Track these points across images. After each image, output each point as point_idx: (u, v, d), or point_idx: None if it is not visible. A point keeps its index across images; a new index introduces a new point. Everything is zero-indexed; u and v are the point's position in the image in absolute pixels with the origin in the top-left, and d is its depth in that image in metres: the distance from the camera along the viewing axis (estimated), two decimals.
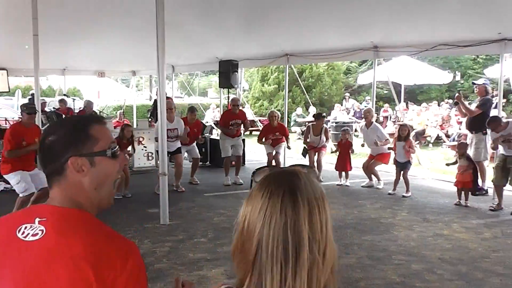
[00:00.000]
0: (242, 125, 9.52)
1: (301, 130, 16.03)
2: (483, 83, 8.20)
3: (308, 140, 9.63)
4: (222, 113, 11.04)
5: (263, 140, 9.60)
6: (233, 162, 9.47)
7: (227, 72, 10.35)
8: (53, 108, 12.45)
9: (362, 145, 9.36)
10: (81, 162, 1.18)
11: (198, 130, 9.61)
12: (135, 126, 13.36)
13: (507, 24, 7.27)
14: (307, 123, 15.71)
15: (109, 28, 9.18)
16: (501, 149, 7.26)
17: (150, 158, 10.48)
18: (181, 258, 5.08)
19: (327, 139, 9.61)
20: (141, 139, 10.35)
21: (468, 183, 7.44)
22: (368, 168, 8.86)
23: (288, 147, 10.01)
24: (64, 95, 13.61)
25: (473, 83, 8.85)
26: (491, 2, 6.63)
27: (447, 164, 8.07)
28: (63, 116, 11.30)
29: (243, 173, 9.68)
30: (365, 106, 15.71)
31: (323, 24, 8.22)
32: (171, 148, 8.05)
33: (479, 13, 6.98)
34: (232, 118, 9.28)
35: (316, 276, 0.93)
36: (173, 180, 8.35)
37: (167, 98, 8.75)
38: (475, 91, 8.59)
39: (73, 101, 12.63)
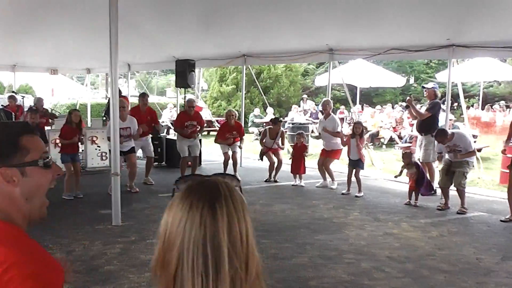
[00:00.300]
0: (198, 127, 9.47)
1: (259, 131, 16.09)
2: (432, 87, 8.48)
3: (264, 142, 9.72)
4: (178, 113, 10.95)
5: (222, 139, 9.60)
6: (190, 163, 9.43)
7: (183, 72, 10.28)
8: (1, 105, 12.03)
9: (318, 137, 9.48)
10: (11, 173, 1.16)
11: (152, 118, 9.51)
12: (89, 125, 13.09)
13: (455, 31, 7.56)
14: (264, 124, 15.83)
15: (60, 23, 8.90)
16: (446, 155, 7.53)
17: (104, 158, 10.27)
18: (133, 260, 5.01)
19: (283, 143, 9.73)
20: (94, 138, 10.14)
21: (419, 183, 7.67)
22: (324, 166, 8.97)
23: (240, 147, 10.02)
24: (13, 92, 13.14)
25: (423, 87, 9.13)
26: (440, 10, 6.86)
27: (396, 177, 8.25)
28: (12, 114, 10.93)
29: (199, 173, 9.67)
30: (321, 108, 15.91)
31: (279, 26, 8.29)
32: (124, 147, 7.92)
33: (429, 20, 7.22)
34: (187, 119, 9.24)
35: (240, 287, 0.95)
36: (127, 181, 8.23)
37: (121, 96, 8.63)
38: (424, 95, 8.86)
39: (23, 98, 12.23)
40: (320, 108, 11.82)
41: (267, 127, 10.21)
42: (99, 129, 10.27)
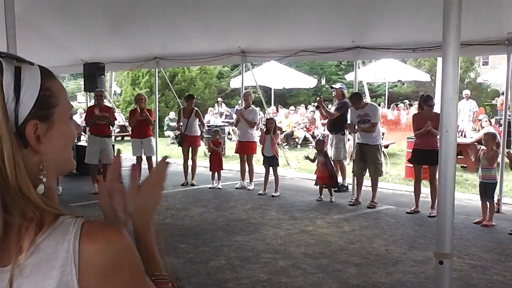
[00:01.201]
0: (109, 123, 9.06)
1: (175, 134, 15.90)
2: (340, 87, 8.82)
3: (180, 123, 9.57)
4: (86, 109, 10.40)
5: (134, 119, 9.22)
6: (101, 169, 9.05)
7: (92, 75, 9.89)
8: None
9: (236, 124, 9.52)
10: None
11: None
12: None
13: (360, 34, 7.93)
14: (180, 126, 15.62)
15: None
16: (357, 139, 7.88)
17: None
18: None
19: (201, 123, 9.60)
20: None
21: (326, 178, 7.94)
22: (247, 163, 8.98)
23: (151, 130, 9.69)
24: None
25: (331, 87, 9.48)
26: (345, 13, 7.17)
27: (306, 157, 8.48)
28: None
29: None
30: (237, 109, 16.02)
31: (190, 28, 8.23)
32: None
33: (336, 23, 7.52)
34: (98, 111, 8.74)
35: None
36: None
37: None
38: (333, 94, 9.19)
39: None
40: (237, 106, 11.90)
41: (182, 107, 10.00)
42: None
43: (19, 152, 0.84)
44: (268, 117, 9.05)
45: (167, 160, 1.13)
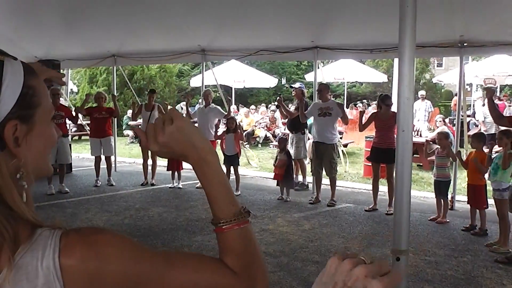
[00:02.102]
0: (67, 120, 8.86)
1: (134, 134, 15.65)
2: (299, 87, 8.90)
3: (138, 117, 9.48)
4: None
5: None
6: (58, 170, 8.81)
7: None
8: None
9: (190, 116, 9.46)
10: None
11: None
12: None
13: (319, 34, 8.02)
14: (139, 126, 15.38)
15: None
16: (313, 137, 8.00)
17: None
18: None
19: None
20: None
21: (282, 176, 7.99)
22: None
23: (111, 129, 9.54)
24: None
25: (291, 87, 9.55)
26: (304, 13, 7.21)
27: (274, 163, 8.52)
28: None
29: (69, 181, 9.12)
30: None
31: (148, 25, 8.09)
32: None
33: (295, 22, 7.56)
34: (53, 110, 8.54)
35: None
36: None
37: None
38: (292, 94, 9.26)
39: None
40: (197, 105, 11.82)
41: (143, 102, 9.86)
42: None
43: None
44: (229, 117, 9.01)
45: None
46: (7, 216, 0.77)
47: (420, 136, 12.59)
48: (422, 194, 8.58)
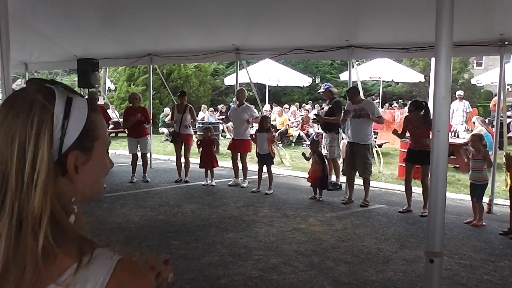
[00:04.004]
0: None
1: (169, 131, 15.87)
2: (327, 87, 8.85)
3: (173, 119, 9.59)
4: None
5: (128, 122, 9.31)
6: None
7: (86, 71, 9.83)
8: None
9: (228, 121, 9.48)
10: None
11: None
12: None
13: (354, 33, 7.95)
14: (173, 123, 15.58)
15: None
16: (347, 138, 7.92)
17: None
18: None
19: (193, 119, 9.54)
20: None
21: (317, 178, 7.95)
22: (241, 161, 8.97)
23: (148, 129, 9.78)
24: None
25: (319, 93, 9.39)
26: (339, 12, 7.17)
27: (303, 154, 8.46)
28: None
29: (106, 176, 9.34)
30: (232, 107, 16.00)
31: (183, 24, 8.21)
32: None
33: (329, 21, 7.53)
34: None
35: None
36: None
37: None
38: (323, 96, 9.15)
39: None
40: (231, 104, 11.88)
41: (175, 104, 10.00)
42: None
43: (53, 180, 0.86)
44: (262, 115, 9.02)
45: None
46: (58, 236, 0.85)
47: (457, 137, 12.31)
48: (458, 196, 8.40)
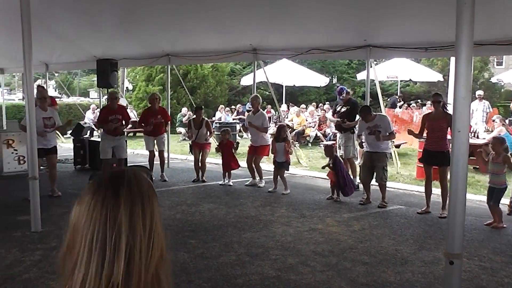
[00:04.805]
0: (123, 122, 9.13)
1: (186, 131, 15.94)
2: (345, 91, 8.80)
3: (191, 135, 9.66)
4: (100, 109, 10.53)
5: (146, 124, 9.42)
6: (114, 165, 9.13)
7: (105, 72, 9.96)
8: None
9: (244, 130, 9.50)
10: None
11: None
12: (4, 128, 12.37)
13: (372, 32, 7.90)
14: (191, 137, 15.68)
15: None
16: (365, 147, 7.84)
17: (21, 161, 9.75)
18: (53, 267, 4.79)
19: (209, 132, 9.58)
20: (10, 141, 9.62)
21: (336, 183, 7.91)
22: (254, 164, 8.99)
23: (165, 128, 9.90)
24: None
25: (341, 99, 9.18)
26: (357, 12, 7.13)
27: (323, 167, 8.45)
28: None
29: None
30: (248, 108, 16.01)
31: (201, 25, 8.25)
32: (47, 143, 7.61)
33: (347, 21, 7.50)
34: (111, 113, 8.76)
35: (138, 265, 0.97)
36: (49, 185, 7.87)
37: (40, 87, 8.21)
38: (340, 97, 9.00)
39: None
40: (248, 106, 11.89)
41: (191, 118, 10.08)
42: (15, 132, 9.69)
43: None
44: (279, 124, 8.99)
45: None
46: None
47: (477, 137, 12.14)
48: (478, 198, 8.28)
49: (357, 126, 8.30)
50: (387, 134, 7.56)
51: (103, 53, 10.46)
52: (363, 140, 7.91)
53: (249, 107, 9.66)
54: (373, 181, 7.88)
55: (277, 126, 9.21)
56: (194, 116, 9.69)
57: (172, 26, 8.47)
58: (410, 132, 7.84)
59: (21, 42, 5.61)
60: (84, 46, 10.03)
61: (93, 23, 8.52)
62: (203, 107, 10.71)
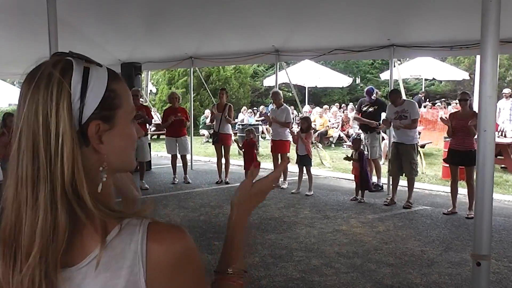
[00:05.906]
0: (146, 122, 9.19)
1: (209, 133, 16.03)
2: (371, 89, 8.73)
3: (213, 118, 9.67)
4: None
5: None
6: (138, 167, 9.23)
7: (129, 75, 10.10)
8: None
9: (268, 121, 9.55)
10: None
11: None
12: None
13: (395, 32, 7.82)
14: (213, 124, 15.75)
15: None
16: (392, 138, 7.77)
17: None
18: None
19: (230, 115, 9.50)
20: None
21: (357, 177, 7.86)
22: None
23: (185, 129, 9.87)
24: None
25: (372, 104, 9.08)
26: (380, 11, 7.06)
27: (345, 158, 8.38)
28: None
29: (149, 178, 9.52)
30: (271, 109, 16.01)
31: (224, 27, 8.29)
32: None
33: (370, 20, 7.42)
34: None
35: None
36: None
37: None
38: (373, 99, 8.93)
39: None
40: (270, 105, 11.89)
41: (216, 103, 10.08)
42: None
43: (79, 150, 0.86)
44: (302, 116, 8.98)
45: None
46: (84, 206, 0.85)
47: (505, 136, 11.90)
48: (507, 198, 8.12)
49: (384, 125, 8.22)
50: (411, 121, 7.48)
51: (127, 57, 10.59)
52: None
53: (272, 107, 9.65)
54: (401, 182, 7.80)
55: (301, 118, 9.16)
56: (219, 101, 9.65)
57: (196, 28, 8.53)
58: (442, 120, 7.63)
59: (45, 46, 5.72)
60: (110, 49, 10.17)
61: (119, 27, 8.64)
62: (226, 89, 10.67)
